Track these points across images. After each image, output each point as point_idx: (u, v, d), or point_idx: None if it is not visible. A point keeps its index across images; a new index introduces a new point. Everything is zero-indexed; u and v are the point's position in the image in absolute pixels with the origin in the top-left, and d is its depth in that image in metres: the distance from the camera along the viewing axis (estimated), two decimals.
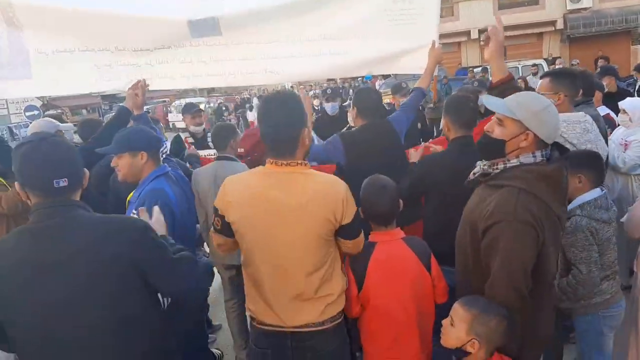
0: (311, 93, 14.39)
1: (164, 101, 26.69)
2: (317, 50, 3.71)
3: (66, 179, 1.63)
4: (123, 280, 1.62)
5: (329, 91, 6.61)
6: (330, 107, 6.03)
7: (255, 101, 23.36)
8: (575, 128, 2.78)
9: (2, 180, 3.80)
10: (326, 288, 2.02)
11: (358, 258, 2.32)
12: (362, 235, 2.17)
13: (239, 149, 2.62)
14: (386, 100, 7.69)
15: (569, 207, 2.35)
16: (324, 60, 3.75)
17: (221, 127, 3.73)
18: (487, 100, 2.07)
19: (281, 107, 1.97)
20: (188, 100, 22.58)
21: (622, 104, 4.00)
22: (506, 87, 2.30)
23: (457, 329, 1.88)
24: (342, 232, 2.03)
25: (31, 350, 1.63)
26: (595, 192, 2.61)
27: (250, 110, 20.31)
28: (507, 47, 23.81)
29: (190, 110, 5.33)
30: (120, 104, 3.50)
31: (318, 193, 1.93)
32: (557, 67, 14.00)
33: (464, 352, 1.87)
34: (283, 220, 1.92)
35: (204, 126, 5.45)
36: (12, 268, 1.57)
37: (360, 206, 2.40)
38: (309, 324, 2.01)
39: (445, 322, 1.96)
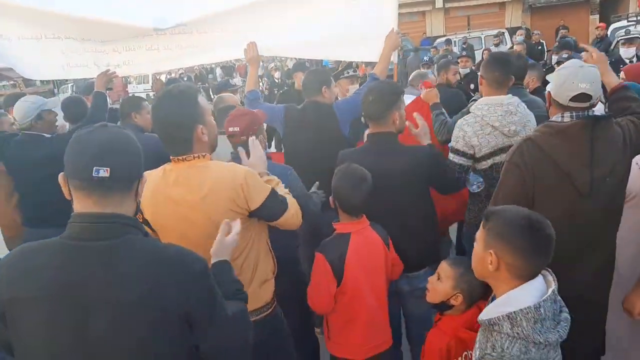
0: (272, 65, 14.10)
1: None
2: (275, 29, 3.73)
3: (108, 169, 1.31)
4: (164, 333, 1.33)
5: (307, 64, 6.38)
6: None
7: (218, 71, 22.84)
8: (497, 110, 2.75)
9: None
10: (241, 279, 1.94)
11: (334, 251, 2.32)
12: (289, 210, 2.06)
13: (232, 128, 2.47)
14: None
15: (488, 315, 1.57)
16: (281, 40, 3.77)
17: (222, 109, 3.68)
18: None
19: (171, 105, 1.87)
20: None
21: None
22: (617, 96, 2.32)
23: (443, 285, 2.04)
24: (259, 215, 1.99)
25: None
26: (535, 290, 1.55)
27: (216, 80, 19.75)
28: (470, 16, 24.01)
29: None
30: (95, 90, 3.77)
31: (215, 184, 1.88)
32: (517, 37, 14.17)
33: (447, 306, 2.05)
34: (187, 216, 1.87)
35: None
36: (40, 294, 1.28)
37: (333, 195, 2.41)
38: None
39: (431, 278, 2.11)
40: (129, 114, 3.74)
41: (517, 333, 1.47)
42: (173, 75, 20.23)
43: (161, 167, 1.97)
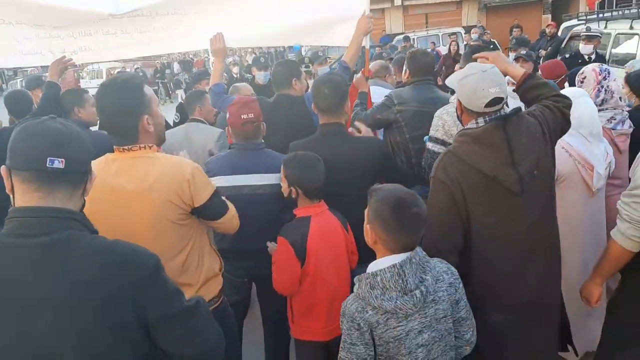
0: (230, 60, 13.84)
1: (75, 66, 24.44)
2: (243, 18, 3.60)
3: (63, 160, 1.25)
4: (119, 332, 1.26)
5: (262, 60, 6.39)
6: (262, 76, 5.87)
7: (176, 66, 22.36)
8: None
9: None
10: (188, 276, 1.96)
11: (296, 234, 2.33)
12: (230, 212, 2.10)
13: (245, 115, 2.54)
14: None
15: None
16: (250, 29, 3.64)
17: (191, 93, 3.82)
18: (449, 79, 2.18)
19: (115, 93, 1.85)
20: (101, 66, 21.18)
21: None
22: (526, 86, 2.24)
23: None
24: (201, 214, 1.97)
25: None
26: (387, 260, 1.68)
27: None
28: (428, 14, 24.37)
29: None
30: (48, 80, 3.53)
31: (160, 177, 1.84)
32: (472, 35, 14.48)
33: None
34: (128, 207, 1.81)
35: None
36: None
37: (293, 183, 2.38)
38: None
39: None
40: (72, 109, 3.53)
41: (358, 294, 1.68)
42: (128, 70, 19.68)
43: (103, 156, 1.90)
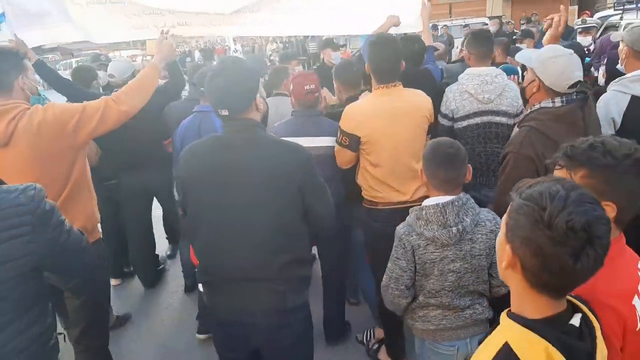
0: (272, 46, 13.74)
1: (95, 53, 24.32)
2: (303, 7, 4.02)
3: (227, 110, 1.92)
4: (290, 193, 1.92)
5: (334, 40, 6.84)
6: (336, 56, 6.04)
7: (197, 54, 22.33)
8: (474, 80, 3.20)
9: None
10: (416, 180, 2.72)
11: None
12: None
13: (308, 86, 3.03)
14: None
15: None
16: (308, 18, 4.05)
17: (279, 69, 4.42)
18: (519, 54, 2.39)
19: (389, 47, 2.71)
20: (122, 53, 21.23)
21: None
22: None
23: None
24: (431, 129, 2.89)
25: (205, 238, 1.98)
26: (435, 200, 2.02)
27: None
28: (452, 4, 24.02)
29: None
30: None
31: (419, 101, 2.81)
32: (491, 28, 14.22)
33: None
34: (401, 121, 2.72)
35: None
36: (205, 168, 1.93)
37: None
38: (423, 197, 2.47)
39: None
40: (280, 83, 4.07)
41: (407, 221, 2.08)
42: (149, 58, 19.67)
43: (371, 94, 2.86)
